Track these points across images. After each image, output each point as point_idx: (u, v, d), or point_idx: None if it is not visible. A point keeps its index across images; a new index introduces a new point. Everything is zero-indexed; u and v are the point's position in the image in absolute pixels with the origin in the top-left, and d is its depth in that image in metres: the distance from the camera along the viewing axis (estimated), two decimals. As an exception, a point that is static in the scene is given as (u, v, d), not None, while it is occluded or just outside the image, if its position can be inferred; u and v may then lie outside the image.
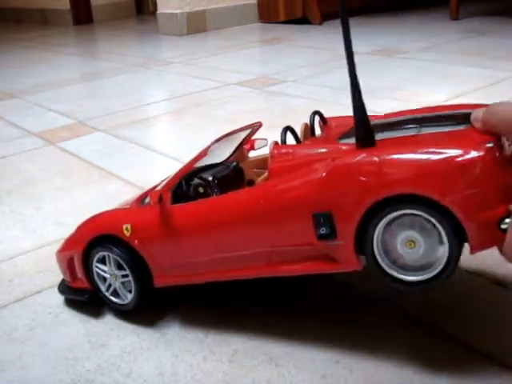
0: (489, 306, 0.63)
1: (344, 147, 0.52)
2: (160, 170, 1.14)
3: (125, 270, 0.64)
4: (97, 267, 0.66)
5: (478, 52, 1.93)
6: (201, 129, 1.38)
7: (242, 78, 1.86)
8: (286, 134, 0.57)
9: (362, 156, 0.48)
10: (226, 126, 1.37)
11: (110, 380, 0.57)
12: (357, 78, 0.48)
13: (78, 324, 0.67)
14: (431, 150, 0.46)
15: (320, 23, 2.86)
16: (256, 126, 0.70)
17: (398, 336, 0.59)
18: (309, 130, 0.64)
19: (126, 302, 0.66)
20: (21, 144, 1.38)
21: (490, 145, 0.45)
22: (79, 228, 0.71)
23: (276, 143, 0.57)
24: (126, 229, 0.62)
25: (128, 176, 1.12)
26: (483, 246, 0.47)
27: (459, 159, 0.45)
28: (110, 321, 0.67)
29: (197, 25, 2.95)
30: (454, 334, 0.59)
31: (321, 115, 0.66)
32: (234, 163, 0.70)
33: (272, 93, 1.66)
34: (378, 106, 1.18)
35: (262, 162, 0.71)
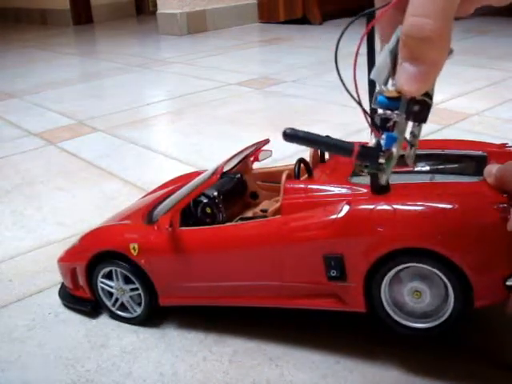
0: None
1: (358, 190, 0.52)
2: (160, 170, 1.14)
3: (133, 283, 0.64)
4: (102, 283, 0.66)
5: (478, 52, 1.93)
6: (201, 129, 1.38)
7: (242, 77, 1.86)
8: (299, 166, 0.57)
9: (379, 204, 0.49)
10: (225, 126, 1.38)
11: (109, 380, 0.57)
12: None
13: (78, 324, 0.67)
14: (446, 206, 0.47)
15: (320, 23, 2.86)
16: (262, 143, 0.70)
17: (399, 337, 0.59)
18: (318, 155, 0.64)
19: (135, 315, 0.65)
20: (21, 144, 1.38)
21: (503, 206, 0.46)
22: (83, 240, 0.70)
23: (289, 176, 0.56)
24: (133, 248, 0.62)
25: (128, 176, 1.12)
26: (488, 301, 0.48)
27: (473, 219, 0.46)
28: (109, 321, 0.67)
29: (197, 25, 2.95)
30: (453, 335, 0.59)
31: None
32: (238, 175, 0.70)
33: (272, 93, 1.66)
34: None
35: (266, 175, 0.71)
